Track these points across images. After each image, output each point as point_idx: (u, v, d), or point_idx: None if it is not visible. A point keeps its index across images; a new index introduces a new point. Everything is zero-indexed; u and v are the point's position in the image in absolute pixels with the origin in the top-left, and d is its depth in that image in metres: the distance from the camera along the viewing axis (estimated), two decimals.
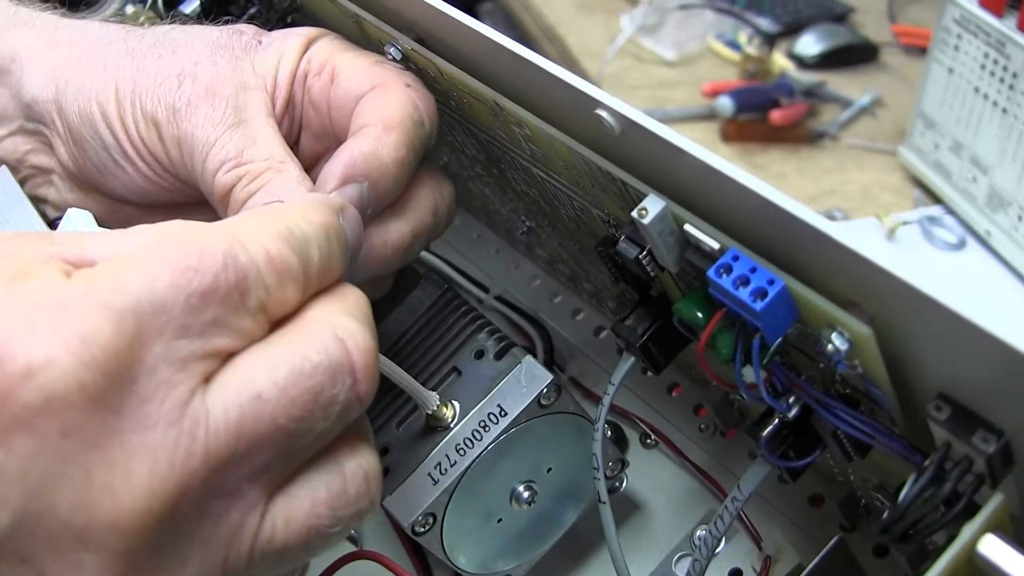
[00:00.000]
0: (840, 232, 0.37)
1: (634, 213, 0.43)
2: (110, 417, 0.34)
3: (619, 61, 1.60)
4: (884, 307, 0.38)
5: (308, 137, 0.59)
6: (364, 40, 0.60)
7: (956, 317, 0.34)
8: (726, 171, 0.40)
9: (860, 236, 0.36)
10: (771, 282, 0.40)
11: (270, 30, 0.60)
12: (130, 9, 0.74)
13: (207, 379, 0.37)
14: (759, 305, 0.39)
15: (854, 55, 1.53)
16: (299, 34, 0.59)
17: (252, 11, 0.72)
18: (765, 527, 0.61)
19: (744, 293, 0.40)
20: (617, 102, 0.43)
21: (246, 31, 0.59)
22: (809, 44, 1.53)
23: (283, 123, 0.57)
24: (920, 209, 1.22)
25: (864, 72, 1.51)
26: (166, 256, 0.37)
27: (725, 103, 1.43)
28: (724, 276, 0.41)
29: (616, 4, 1.74)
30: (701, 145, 0.40)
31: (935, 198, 1.21)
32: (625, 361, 0.54)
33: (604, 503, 0.55)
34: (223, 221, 0.41)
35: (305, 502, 0.40)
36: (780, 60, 1.53)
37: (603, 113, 0.44)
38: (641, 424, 0.68)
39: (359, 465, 0.42)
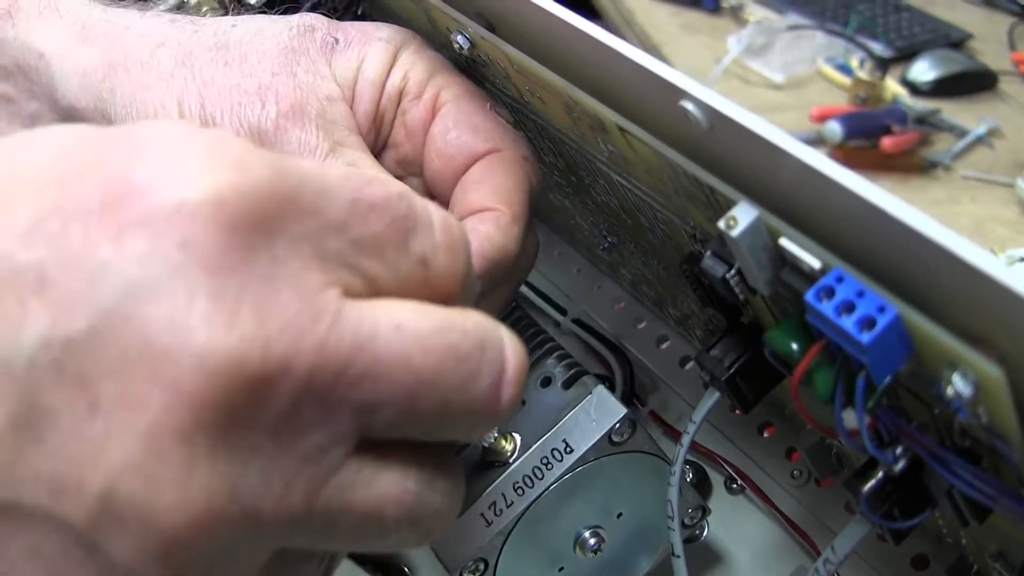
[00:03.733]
0: (970, 251, 0.30)
1: (721, 223, 0.37)
2: (236, 253, 0.31)
3: (725, 83, 1.54)
4: (1020, 345, 0.31)
5: (390, 158, 0.55)
6: (432, 28, 0.55)
7: None
8: (832, 174, 0.33)
9: None
10: (882, 309, 0.33)
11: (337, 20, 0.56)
12: None
13: (346, 293, 0.34)
14: (866, 337, 0.33)
15: (971, 83, 1.46)
16: (382, 38, 0.54)
17: None
18: None
19: (848, 322, 0.33)
20: (706, 92, 0.37)
21: (319, 26, 0.54)
22: (923, 70, 1.47)
23: (368, 137, 0.53)
24: None
25: (981, 101, 1.44)
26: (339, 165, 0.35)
27: (834, 128, 1.37)
28: (825, 301, 0.34)
29: (723, 24, 1.69)
30: None
31: None
32: (709, 396, 0.48)
33: (678, 557, 0.49)
34: None
35: (390, 484, 0.35)
36: (892, 86, 1.47)
37: (688, 105, 0.37)
38: (727, 467, 0.62)
39: (455, 484, 0.38)
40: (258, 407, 0.31)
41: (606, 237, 0.63)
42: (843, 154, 1.35)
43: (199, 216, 0.30)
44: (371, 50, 0.54)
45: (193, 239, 0.30)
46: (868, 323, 0.33)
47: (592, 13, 1.73)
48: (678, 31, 1.69)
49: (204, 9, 0.69)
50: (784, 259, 0.37)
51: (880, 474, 0.40)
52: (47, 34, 0.55)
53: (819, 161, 0.34)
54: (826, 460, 0.51)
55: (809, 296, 0.34)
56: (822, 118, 1.43)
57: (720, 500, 0.62)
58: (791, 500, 0.60)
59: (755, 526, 0.61)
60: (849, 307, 0.34)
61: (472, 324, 0.36)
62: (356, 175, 0.35)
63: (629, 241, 0.58)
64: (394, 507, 0.35)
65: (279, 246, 0.32)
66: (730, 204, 0.38)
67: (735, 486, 0.62)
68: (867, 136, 1.38)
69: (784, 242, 0.36)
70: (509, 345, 0.37)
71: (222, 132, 0.34)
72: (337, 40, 0.54)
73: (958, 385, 0.32)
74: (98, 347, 0.30)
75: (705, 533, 0.59)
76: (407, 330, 0.34)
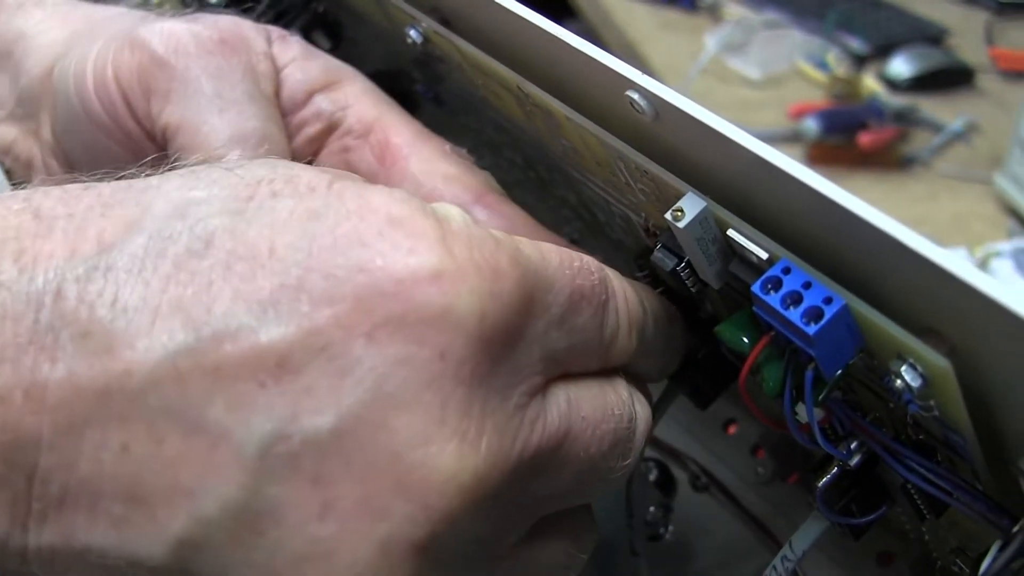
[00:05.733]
0: (918, 240, 0.30)
1: (668, 215, 0.36)
2: (486, 364, 0.31)
3: (702, 81, 1.54)
4: (970, 336, 0.31)
5: None
6: (388, 23, 0.54)
7: None
8: (779, 163, 0.33)
9: None
10: (828, 300, 0.32)
11: (295, 17, 0.55)
12: None
13: (548, 376, 0.35)
14: (812, 328, 0.32)
15: (948, 78, 1.47)
16: (329, 62, 0.53)
17: None
18: None
19: (795, 314, 0.33)
20: (650, 81, 0.36)
21: (278, 30, 0.53)
22: (901, 66, 1.47)
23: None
24: (1015, 240, 1.15)
25: (959, 96, 1.44)
26: (548, 243, 0.36)
27: (811, 125, 1.38)
28: (772, 292, 0.33)
29: (700, 23, 1.70)
30: None
31: None
32: (670, 391, 0.47)
33: (637, 555, 0.48)
34: None
35: (554, 550, 0.37)
36: (870, 82, 1.47)
37: (634, 95, 0.37)
38: (691, 465, 0.61)
39: (593, 538, 0.40)
40: (483, 520, 0.32)
41: (567, 234, 0.62)
42: (820, 151, 1.35)
43: (462, 328, 0.30)
44: (313, 61, 0.53)
45: (452, 350, 0.30)
46: (815, 314, 0.32)
47: (569, 13, 1.73)
48: (655, 30, 1.69)
49: (166, 7, 0.68)
50: (733, 251, 0.37)
51: (835, 469, 0.39)
52: (30, 20, 0.55)
53: (764, 149, 0.33)
54: (791, 456, 0.50)
55: (756, 287, 0.34)
56: (800, 114, 1.43)
57: (685, 498, 0.61)
58: (757, 497, 0.59)
59: (721, 524, 0.60)
60: (796, 299, 0.33)
61: (623, 402, 0.37)
62: (567, 257, 0.36)
63: (591, 237, 0.58)
64: (556, 570, 0.38)
65: (518, 352, 0.33)
66: (678, 196, 0.37)
67: (700, 483, 0.61)
68: (844, 132, 1.38)
69: (732, 233, 0.36)
70: (641, 417, 0.39)
71: (457, 213, 0.34)
72: (289, 36, 0.53)
73: (907, 377, 0.32)
74: (341, 449, 0.29)
75: (670, 532, 0.58)
76: (589, 421, 0.35)
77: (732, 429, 0.62)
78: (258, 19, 0.61)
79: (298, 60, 0.52)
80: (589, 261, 0.37)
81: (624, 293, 0.38)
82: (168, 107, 0.47)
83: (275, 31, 0.52)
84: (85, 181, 0.33)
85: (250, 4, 0.62)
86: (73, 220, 0.31)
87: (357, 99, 0.52)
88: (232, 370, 0.29)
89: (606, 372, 0.38)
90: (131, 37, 0.47)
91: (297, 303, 0.29)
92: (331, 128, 0.51)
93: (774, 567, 0.43)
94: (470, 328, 0.30)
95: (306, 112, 0.51)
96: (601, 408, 0.36)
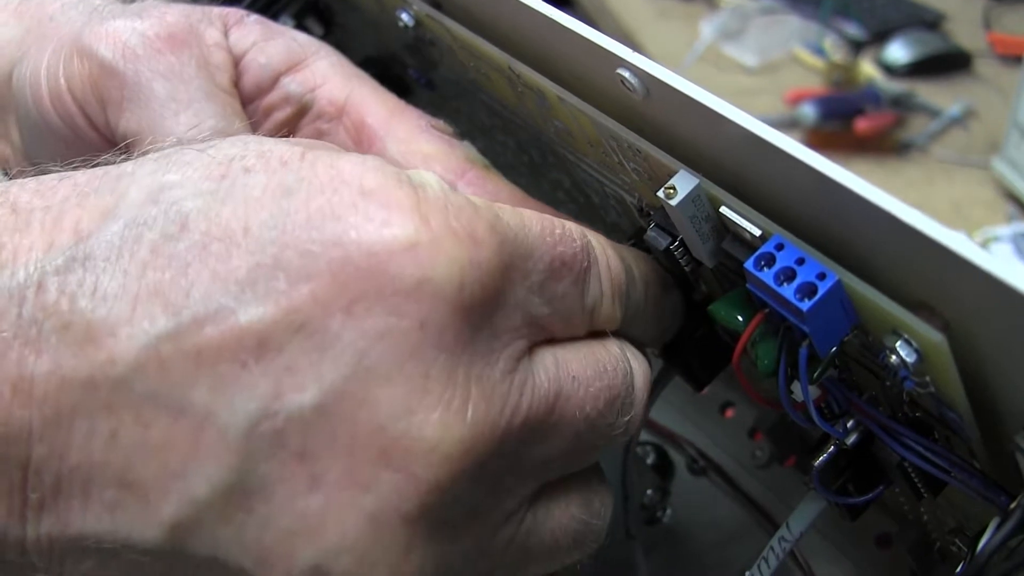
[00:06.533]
0: (910, 212, 0.29)
1: (660, 193, 0.36)
2: (467, 332, 0.31)
3: (698, 68, 1.54)
4: (965, 311, 0.31)
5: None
6: (379, 7, 0.53)
7: None
8: (769, 138, 0.32)
9: None
10: (822, 276, 0.32)
11: (287, 3, 0.54)
12: None
13: (532, 343, 0.35)
14: (806, 304, 0.32)
15: (945, 64, 1.46)
16: (295, 38, 0.52)
17: None
18: (825, 569, 0.53)
19: (788, 290, 0.32)
20: (640, 58, 0.36)
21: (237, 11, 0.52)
22: (898, 52, 1.46)
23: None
24: (1014, 225, 1.15)
25: (956, 81, 1.44)
26: (535, 213, 0.35)
27: (808, 111, 1.37)
28: (765, 269, 0.33)
29: (696, 10, 1.69)
30: None
31: None
32: (665, 374, 0.47)
33: (633, 538, 0.48)
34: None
35: (561, 518, 0.37)
36: (867, 68, 1.47)
37: (625, 73, 0.36)
38: (689, 448, 0.61)
39: (608, 503, 0.39)
40: (470, 488, 0.32)
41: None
42: (817, 137, 1.35)
43: (440, 297, 0.30)
44: (275, 42, 0.51)
45: (432, 319, 0.30)
46: (808, 290, 0.32)
47: (565, 0, 1.72)
48: (652, 17, 1.68)
49: None
50: (727, 228, 0.36)
51: (832, 448, 0.39)
52: None
53: (756, 125, 0.33)
54: (788, 438, 0.49)
55: (749, 264, 0.33)
56: (796, 101, 1.42)
57: (683, 482, 0.61)
58: (754, 481, 0.59)
59: (718, 507, 0.59)
60: (790, 275, 0.33)
61: (615, 357, 0.37)
62: (548, 224, 0.35)
63: (585, 220, 0.57)
64: (567, 537, 0.37)
65: (498, 318, 0.32)
66: (670, 174, 0.37)
67: (697, 467, 0.61)
68: (841, 118, 1.37)
69: (725, 211, 0.35)
70: (638, 371, 0.38)
71: (433, 180, 0.33)
72: (246, 18, 0.51)
73: (902, 352, 0.32)
74: (325, 424, 0.29)
75: (667, 515, 0.58)
76: (580, 380, 0.35)
77: (729, 412, 0.61)
78: (252, 5, 0.60)
79: (259, 43, 0.50)
80: (571, 227, 0.36)
81: (607, 260, 0.38)
82: (124, 115, 0.46)
83: (232, 15, 0.51)
84: (60, 171, 0.33)
85: None
86: (50, 212, 0.31)
87: (326, 78, 0.51)
88: (213, 352, 0.29)
89: (595, 334, 0.38)
90: (78, 45, 0.46)
91: (274, 281, 0.29)
92: (302, 111, 0.50)
93: (771, 548, 0.42)
94: (449, 296, 0.30)
95: (273, 96, 0.50)
96: (592, 366, 0.36)
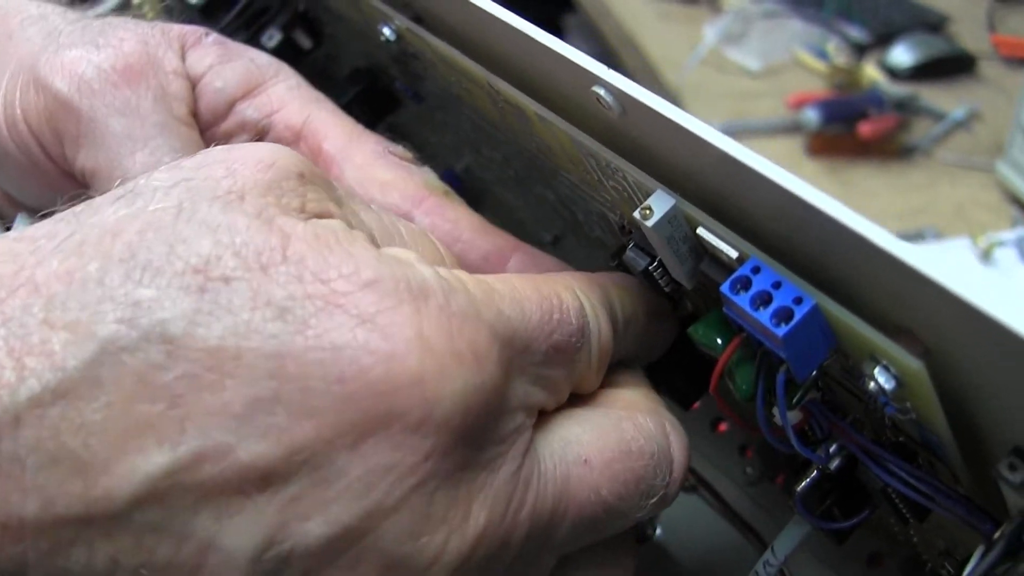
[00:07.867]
0: (884, 236, 0.28)
1: (636, 213, 0.35)
2: (470, 449, 0.31)
3: (701, 72, 1.53)
4: (944, 337, 0.30)
5: None
6: (362, 20, 0.53)
7: None
8: (741, 157, 0.31)
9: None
10: (798, 301, 0.31)
11: (275, 15, 0.53)
12: None
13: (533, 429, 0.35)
14: (782, 330, 0.31)
15: (949, 66, 1.45)
16: (253, 59, 0.51)
17: None
18: None
19: (764, 315, 0.32)
20: (615, 76, 0.35)
21: (197, 30, 0.51)
22: (902, 54, 1.45)
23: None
24: (1018, 229, 1.14)
25: (960, 84, 1.43)
26: (533, 293, 0.35)
27: (811, 115, 1.36)
28: (741, 292, 0.32)
29: (699, 13, 1.68)
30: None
31: None
32: None
33: None
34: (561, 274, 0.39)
35: None
36: (870, 71, 1.46)
37: (600, 90, 0.36)
38: None
39: (629, 562, 0.40)
40: None
41: (546, 234, 0.61)
42: (820, 141, 1.34)
43: (445, 428, 0.30)
44: (232, 64, 0.50)
45: (437, 450, 0.30)
46: (785, 315, 0.31)
47: (568, 6, 1.71)
48: (654, 21, 1.67)
49: (146, 9, 0.67)
50: (704, 249, 0.36)
51: (815, 473, 0.38)
52: None
53: (730, 145, 0.32)
54: (778, 456, 0.49)
55: (724, 288, 0.33)
56: (799, 104, 1.41)
57: None
58: (745, 498, 0.58)
59: (708, 525, 0.58)
60: (766, 299, 0.32)
61: (646, 435, 0.37)
62: (547, 308, 0.35)
63: (571, 236, 0.57)
64: None
65: (501, 424, 0.32)
66: (648, 193, 0.36)
67: (688, 484, 0.60)
68: (845, 122, 1.36)
69: (702, 232, 0.35)
70: (676, 444, 0.38)
71: (431, 277, 0.32)
72: (204, 38, 0.50)
73: (880, 379, 0.31)
74: (331, 551, 0.29)
75: (657, 533, 0.57)
76: (594, 464, 0.35)
77: (721, 427, 0.61)
78: (238, 17, 0.60)
79: (215, 67, 0.49)
80: (569, 306, 0.36)
81: (599, 331, 0.38)
82: (81, 152, 0.45)
83: (191, 34, 0.50)
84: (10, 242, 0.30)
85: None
86: (12, 328, 0.28)
87: (283, 102, 0.50)
88: (215, 486, 0.28)
89: (628, 402, 0.38)
90: (34, 75, 0.45)
91: (273, 417, 0.28)
92: (259, 137, 0.49)
93: (756, 572, 0.42)
94: (454, 425, 0.30)
95: (229, 123, 0.49)
96: (613, 446, 0.36)
